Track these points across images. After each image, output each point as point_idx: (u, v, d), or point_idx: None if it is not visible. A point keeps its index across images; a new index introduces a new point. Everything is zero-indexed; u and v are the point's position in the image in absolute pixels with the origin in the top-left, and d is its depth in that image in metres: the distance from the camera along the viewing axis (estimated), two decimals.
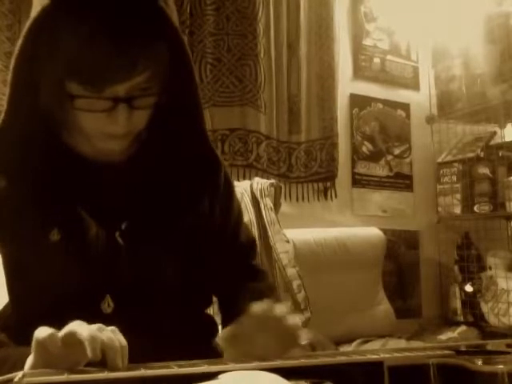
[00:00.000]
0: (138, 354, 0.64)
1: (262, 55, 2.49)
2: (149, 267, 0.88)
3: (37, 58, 0.78)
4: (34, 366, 0.61)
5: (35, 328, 0.62)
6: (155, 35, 0.79)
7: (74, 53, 0.75)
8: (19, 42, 0.78)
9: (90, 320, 0.65)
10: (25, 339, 0.69)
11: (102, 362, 0.60)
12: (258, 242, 1.97)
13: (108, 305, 0.85)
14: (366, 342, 2.28)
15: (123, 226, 0.87)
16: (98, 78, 0.76)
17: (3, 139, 0.84)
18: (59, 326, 0.63)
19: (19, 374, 0.52)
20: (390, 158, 2.91)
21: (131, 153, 0.92)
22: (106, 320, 0.67)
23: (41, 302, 0.86)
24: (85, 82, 0.77)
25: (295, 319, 0.79)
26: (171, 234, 0.91)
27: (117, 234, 0.87)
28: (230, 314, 0.96)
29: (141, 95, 0.80)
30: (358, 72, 2.87)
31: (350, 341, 2.24)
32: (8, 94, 0.81)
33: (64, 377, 0.53)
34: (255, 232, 2.05)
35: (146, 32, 0.77)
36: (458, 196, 2.80)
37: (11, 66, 0.80)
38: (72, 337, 0.60)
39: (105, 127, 0.81)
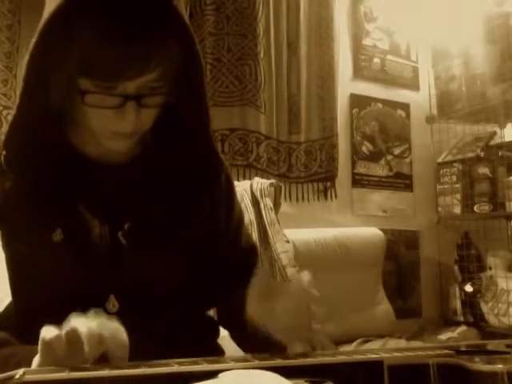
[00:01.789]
0: (142, 354, 0.64)
1: (261, 55, 2.49)
2: (152, 267, 0.88)
3: (50, 54, 0.79)
4: (40, 366, 0.61)
5: (38, 328, 0.63)
6: (168, 33, 0.79)
7: (87, 49, 0.76)
8: (34, 39, 0.78)
9: None
10: (28, 339, 0.69)
11: (105, 360, 0.60)
12: (258, 242, 1.98)
13: (113, 305, 0.85)
14: (366, 341, 2.28)
15: (126, 226, 0.88)
16: (109, 74, 0.77)
17: (14, 136, 0.84)
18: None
19: (20, 372, 0.52)
20: (389, 157, 2.91)
21: (135, 154, 0.93)
22: None
23: (45, 303, 0.86)
24: (96, 78, 0.77)
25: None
26: (174, 234, 0.91)
27: (119, 234, 0.87)
28: (226, 316, 1.00)
29: (150, 94, 0.81)
30: (358, 72, 2.87)
31: (350, 341, 2.24)
32: (20, 90, 0.82)
33: (65, 374, 0.53)
34: (255, 232, 2.05)
35: (159, 30, 0.78)
36: (458, 196, 2.80)
37: (25, 62, 0.80)
38: (74, 334, 0.61)
39: (112, 124, 0.81)
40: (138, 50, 0.76)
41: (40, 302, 0.87)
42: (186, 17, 0.83)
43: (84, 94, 0.78)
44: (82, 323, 0.63)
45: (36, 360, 0.62)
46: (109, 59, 0.76)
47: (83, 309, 0.80)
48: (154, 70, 0.79)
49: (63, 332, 0.61)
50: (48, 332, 0.60)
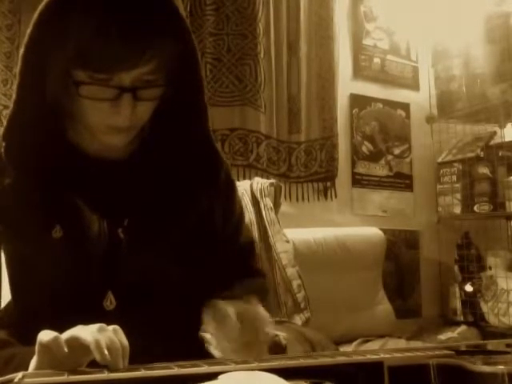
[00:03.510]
0: (140, 351, 0.64)
1: (261, 55, 2.48)
2: (150, 264, 0.88)
3: (45, 45, 0.79)
4: (37, 368, 0.61)
5: (38, 325, 0.63)
6: (163, 26, 0.79)
7: (82, 40, 0.76)
8: (29, 30, 0.79)
9: (92, 317, 0.65)
10: (28, 336, 0.69)
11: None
12: (257, 242, 1.98)
13: (110, 302, 0.85)
14: (366, 341, 2.28)
15: (125, 223, 0.88)
16: (104, 65, 0.77)
17: (12, 131, 0.84)
18: (62, 323, 0.63)
19: (19, 375, 0.52)
20: (389, 157, 2.91)
21: (133, 149, 0.93)
22: (108, 317, 0.67)
23: (43, 299, 0.86)
24: (90, 69, 0.77)
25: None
26: (173, 230, 0.91)
27: (119, 230, 0.87)
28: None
29: (146, 86, 0.81)
30: (358, 72, 2.87)
31: (350, 341, 2.24)
32: (17, 84, 0.82)
33: (64, 377, 0.53)
34: (255, 232, 2.05)
35: (154, 22, 0.78)
36: (458, 196, 2.80)
37: (20, 54, 0.80)
38: (76, 341, 0.60)
39: (108, 118, 0.82)
40: (133, 42, 0.76)
41: (39, 298, 0.87)
42: (183, 11, 0.83)
43: (79, 85, 0.78)
44: (85, 331, 0.62)
45: (33, 362, 0.62)
46: (103, 50, 0.76)
47: (81, 305, 0.80)
48: (149, 63, 0.79)
49: (64, 337, 0.60)
50: (45, 335, 0.60)
